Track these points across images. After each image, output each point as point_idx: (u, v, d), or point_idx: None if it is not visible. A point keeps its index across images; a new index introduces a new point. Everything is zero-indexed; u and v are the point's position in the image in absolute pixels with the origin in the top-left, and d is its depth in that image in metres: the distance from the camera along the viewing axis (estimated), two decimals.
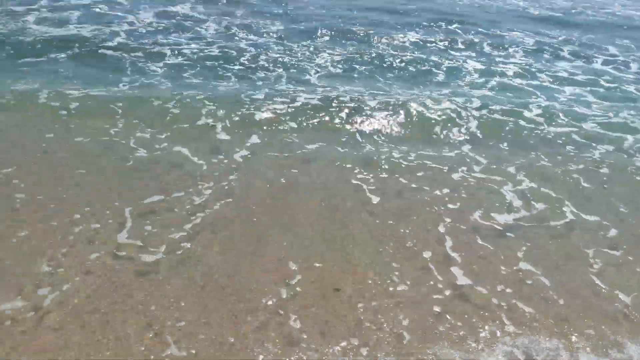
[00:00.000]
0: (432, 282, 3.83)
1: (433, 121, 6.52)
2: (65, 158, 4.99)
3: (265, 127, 5.96)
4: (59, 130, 5.48)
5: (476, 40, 10.50)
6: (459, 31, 11.14)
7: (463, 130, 6.39)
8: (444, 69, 8.59)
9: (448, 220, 4.61)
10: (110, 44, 8.05)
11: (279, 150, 5.55)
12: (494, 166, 5.67)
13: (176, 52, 7.98)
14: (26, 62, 7.17)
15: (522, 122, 6.77)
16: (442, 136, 6.25)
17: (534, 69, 9.05)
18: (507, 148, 6.15)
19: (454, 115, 6.71)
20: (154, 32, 8.84)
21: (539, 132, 6.57)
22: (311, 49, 8.87)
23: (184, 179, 4.84)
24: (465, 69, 8.70)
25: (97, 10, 9.77)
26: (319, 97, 6.90)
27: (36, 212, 4.14)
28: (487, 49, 10.02)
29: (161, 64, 7.49)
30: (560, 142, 6.40)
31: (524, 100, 7.57)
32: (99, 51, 7.78)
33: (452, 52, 9.55)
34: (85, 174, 4.76)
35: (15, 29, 8.24)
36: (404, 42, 9.84)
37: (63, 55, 7.49)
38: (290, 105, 6.55)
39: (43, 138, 5.30)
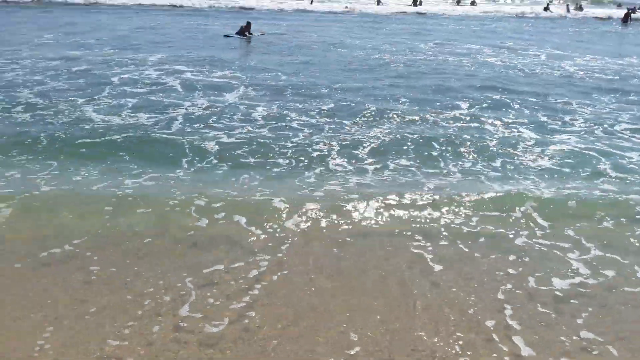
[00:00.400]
0: (495, 354, 3.66)
1: (493, 190, 6.46)
2: (128, 231, 5.24)
3: (320, 202, 6.03)
4: (119, 207, 5.75)
5: (527, 111, 10.42)
6: (508, 101, 11.19)
7: (526, 198, 6.24)
8: (498, 138, 8.55)
9: (510, 286, 4.47)
10: (166, 129, 8.49)
11: (335, 223, 5.61)
12: (559, 232, 5.50)
13: (230, 135, 8.34)
14: (85, 146, 7.63)
15: (589, 190, 6.60)
16: (503, 206, 6.11)
17: (593, 137, 8.84)
18: (572, 214, 5.94)
19: (515, 183, 6.65)
20: (208, 116, 9.29)
21: (606, 198, 6.35)
22: (361, 125, 9.10)
23: (242, 249, 4.95)
24: (521, 139, 8.61)
25: (153, 98, 10.46)
26: (373, 173, 7.04)
27: (103, 285, 4.31)
28: (541, 118, 9.85)
29: (216, 147, 7.80)
30: (630, 207, 6.12)
31: (588, 169, 7.39)
32: (155, 136, 8.20)
33: (505, 123, 9.50)
34: (147, 245, 4.95)
35: (75, 118, 8.84)
36: (453, 115, 9.92)
37: (120, 140, 7.91)
38: (345, 181, 6.70)
39: (105, 212, 5.59)
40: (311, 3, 41.48)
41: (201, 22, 26.74)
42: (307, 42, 19.71)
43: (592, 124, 9.58)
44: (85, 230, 5.21)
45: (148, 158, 7.28)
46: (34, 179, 6.41)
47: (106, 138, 7.95)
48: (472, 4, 48.39)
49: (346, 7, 37.27)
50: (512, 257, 4.96)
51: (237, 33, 20.87)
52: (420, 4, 43.99)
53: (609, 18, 36.05)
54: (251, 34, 20.99)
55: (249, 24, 21.45)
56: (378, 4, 43.81)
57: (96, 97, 10.24)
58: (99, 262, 4.65)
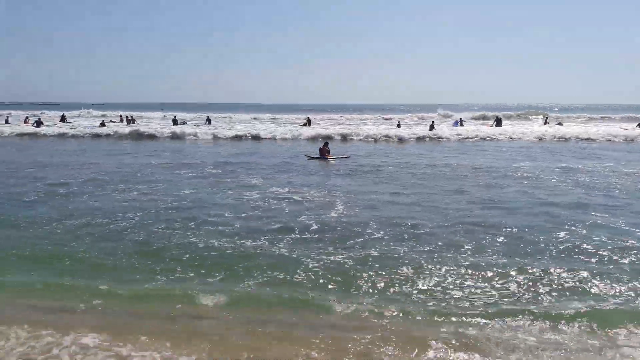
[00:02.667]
0: None
1: None
2: None
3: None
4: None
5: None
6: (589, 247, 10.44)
7: None
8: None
9: None
10: (277, 249, 8.67)
11: None
12: None
13: (344, 254, 8.35)
14: (196, 270, 7.85)
15: None
16: None
17: None
18: None
19: None
20: (315, 237, 9.38)
21: None
22: (467, 252, 8.77)
23: None
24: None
25: (259, 220, 10.68)
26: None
27: None
28: None
29: (323, 267, 7.80)
30: None
31: None
32: (269, 254, 8.36)
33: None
34: None
35: (185, 242, 9.19)
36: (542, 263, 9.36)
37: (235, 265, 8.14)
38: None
39: None
40: (398, 126, 43.45)
41: (283, 145, 28.52)
42: (390, 164, 20.19)
43: None
44: None
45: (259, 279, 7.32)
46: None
47: (215, 262, 8.07)
48: (559, 124, 48.36)
49: (433, 128, 38.37)
50: None
51: (320, 155, 21.87)
52: (500, 125, 44.58)
53: None
54: (330, 155, 21.92)
55: (326, 143, 22.83)
56: (461, 125, 45.00)
57: (203, 220, 10.60)
58: None
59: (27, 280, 7.32)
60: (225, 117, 66.58)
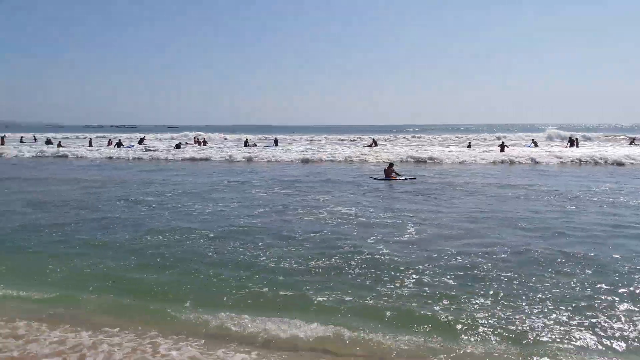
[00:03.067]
0: None
1: None
2: None
3: None
4: None
5: None
6: None
7: None
8: None
9: None
10: (347, 273, 8.67)
11: None
12: None
13: (409, 283, 8.22)
14: (263, 296, 7.96)
15: None
16: None
17: None
18: None
19: None
20: (385, 260, 9.32)
21: None
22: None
23: None
24: None
25: (331, 241, 10.80)
26: None
27: None
28: None
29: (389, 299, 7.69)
30: None
31: None
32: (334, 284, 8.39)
33: None
34: None
35: (254, 262, 9.39)
36: None
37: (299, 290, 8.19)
38: None
39: None
40: (468, 147, 42.63)
41: (349, 166, 28.56)
42: (459, 185, 19.73)
43: None
44: None
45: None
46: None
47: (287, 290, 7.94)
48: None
49: (505, 148, 37.17)
50: None
51: (385, 176, 21.78)
52: (575, 145, 42.48)
53: None
54: (395, 177, 21.78)
55: (391, 165, 22.73)
56: (534, 146, 43.43)
57: (274, 239, 10.80)
58: None
59: (115, 301, 7.56)
60: (291, 139, 67.98)
